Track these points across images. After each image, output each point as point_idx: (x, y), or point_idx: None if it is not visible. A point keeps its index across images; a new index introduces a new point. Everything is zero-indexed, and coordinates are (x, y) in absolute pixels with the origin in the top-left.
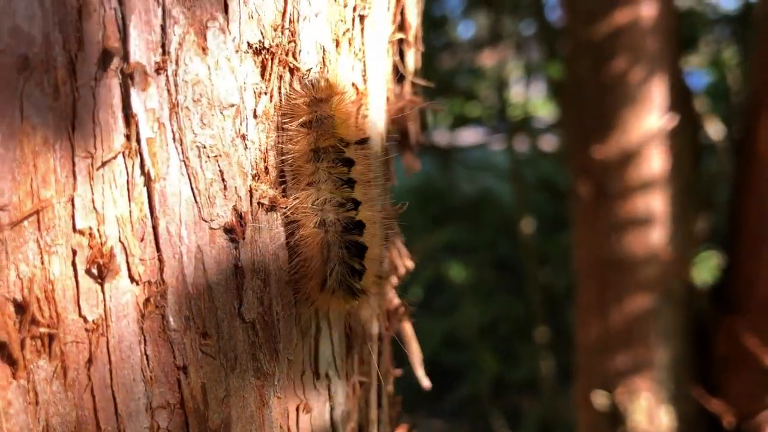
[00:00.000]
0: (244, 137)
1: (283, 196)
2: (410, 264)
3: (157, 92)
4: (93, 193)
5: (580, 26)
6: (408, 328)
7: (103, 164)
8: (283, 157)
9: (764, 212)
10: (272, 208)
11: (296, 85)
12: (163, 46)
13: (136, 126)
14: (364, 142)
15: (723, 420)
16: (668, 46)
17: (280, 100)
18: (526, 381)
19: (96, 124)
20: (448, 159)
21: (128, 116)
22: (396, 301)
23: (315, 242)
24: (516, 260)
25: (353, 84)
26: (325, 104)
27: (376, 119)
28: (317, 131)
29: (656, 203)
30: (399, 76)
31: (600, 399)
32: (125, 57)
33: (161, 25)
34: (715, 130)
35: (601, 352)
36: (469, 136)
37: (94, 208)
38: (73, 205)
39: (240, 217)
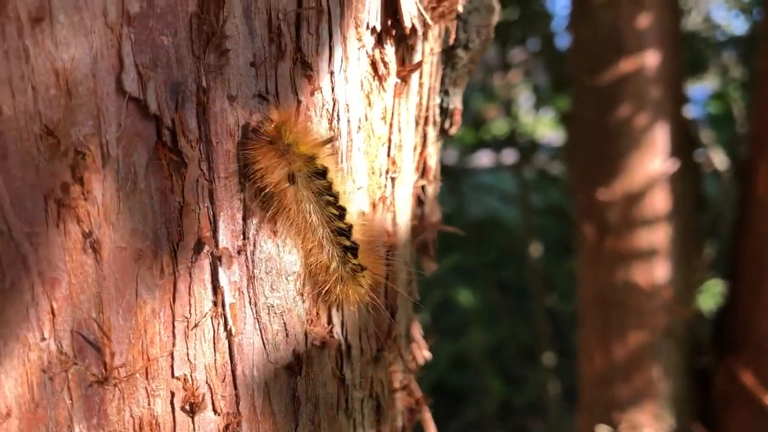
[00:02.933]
0: (303, 295)
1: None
2: (428, 354)
3: (238, 269)
4: (187, 348)
5: (586, 74)
6: (428, 417)
7: (196, 325)
8: (264, 191)
9: (763, 254)
10: (323, 346)
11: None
12: (243, 233)
13: (222, 295)
14: (330, 141)
15: None
16: (671, 92)
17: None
18: (532, 404)
19: (191, 295)
20: (457, 182)
21: (216, 288)
22: (418, 393)
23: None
24: (522, 283)
25: (385, 231)
26: (280, 138)
27: (403, 248)
28: (286, 160)
29: (658, 244)
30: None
31: None
32: (215, 244)
33: (242, 217)
34: (719, 160)
35: (604, 386)
36: (478, 158)
37: (188, 359)
38: (172, 358)
39: (298, 357)
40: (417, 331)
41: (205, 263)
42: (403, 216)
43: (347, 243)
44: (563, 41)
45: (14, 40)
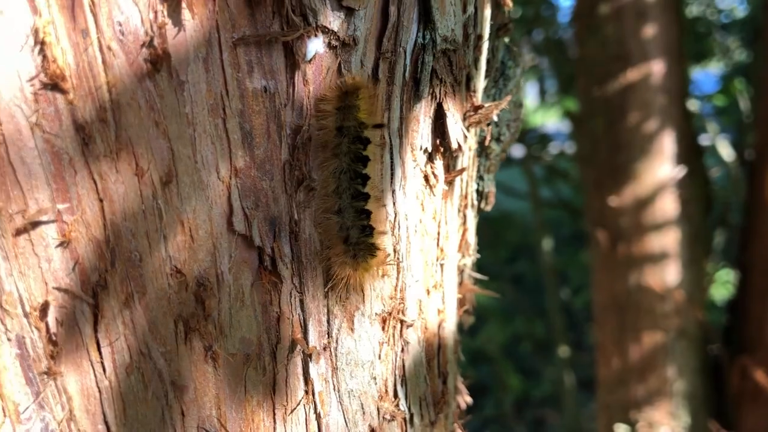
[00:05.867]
0: (374, 378)
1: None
2: (469, 400)
3: (324, 362)
4: (285, 430)
5: (594, 86)
6: None
7: (292, 411)
8: (317, 132)
9: None
10: (392, 419)
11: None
12: (328, 332)
13: (312, 384)
14: (380, 126)
15: None
16: (677, 99)
17: (393, 343)
18: (548, 396)
19: (287, 387)
20: None
21: (307, 379)
22: None
23: (333, 210)
24: (536, 278)
25: (438, 309)
26: (351, 96)
27: (449, 322)
28: (343, 113)
29: (669, 248)
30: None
31: (622, 431)
32: (306, 343)
33: (327, 320)
34: (726, 152)
35: (621, 387)
36: None
37: None
38: None
39: (372, 430)
40: (459, 382)
41: (298, 360)
42: (451, 293)
43: (365, 222)
44: (567, 34)
45: (149, 200)
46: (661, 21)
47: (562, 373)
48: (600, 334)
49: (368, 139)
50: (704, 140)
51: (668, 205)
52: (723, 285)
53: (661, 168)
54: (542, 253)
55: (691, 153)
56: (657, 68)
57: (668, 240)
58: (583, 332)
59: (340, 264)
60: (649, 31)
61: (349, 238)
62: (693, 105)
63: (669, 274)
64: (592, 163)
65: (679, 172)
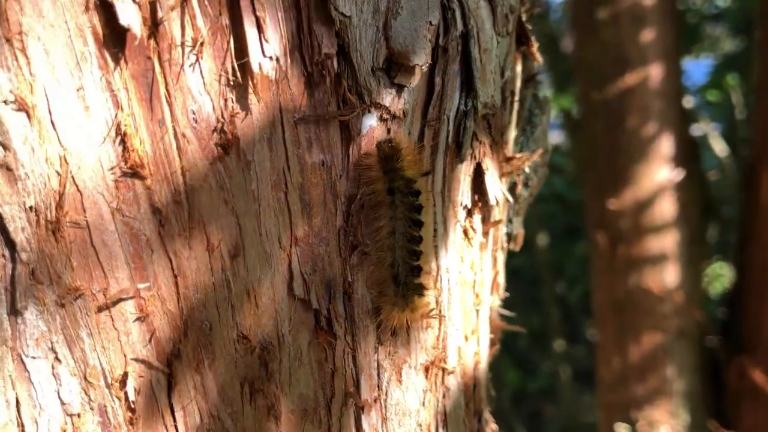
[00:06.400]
0: (420, 425)
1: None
2: (495, 427)
3: (375, 414)
4: None
5: (593, 89)
6: None
7: None
8: (369, 195)
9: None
10: None
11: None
12: (378, 386)
13: None
14: (427, 174)
15: None
16: (674, 103)
17: (436, 390)
18: (544, 388)
19: None
20: None
21: (359, 429)
22: None
23: (388, 262)
24: (531, 271)
25: (474, 352)
26: (393, 161)
27: (484, 362)
28: (390, 177)
29: (668, 250)
30: None
31: (622, 431)
32: (359, 396)
33: (377, 374)
34: (720, 148)
35: (621, 387)
36: None
37: None
38: None
39: None
40: (488, 413)
41: (351, 412)
42: (485, 335)
43: (414, 263)
44: (560, 29)
45: (219, 273)
46: (659, 26)
47: (558, 366)
48: (600, 334)
49: (419, 191)
50: (695, 131)
51: (667, 208)
52: (716, 278)
53: (660, 171)
54: (537, 247)
55: (688, 155)
56: (655, 72)
57: (667, 242)
58: (579, 325)
59: (389, 305)
60: (647, 35)
61: (398, 276)
62: (685, 99)
63: (668, 276)
64: (592, 166)
65: (678, 175)
